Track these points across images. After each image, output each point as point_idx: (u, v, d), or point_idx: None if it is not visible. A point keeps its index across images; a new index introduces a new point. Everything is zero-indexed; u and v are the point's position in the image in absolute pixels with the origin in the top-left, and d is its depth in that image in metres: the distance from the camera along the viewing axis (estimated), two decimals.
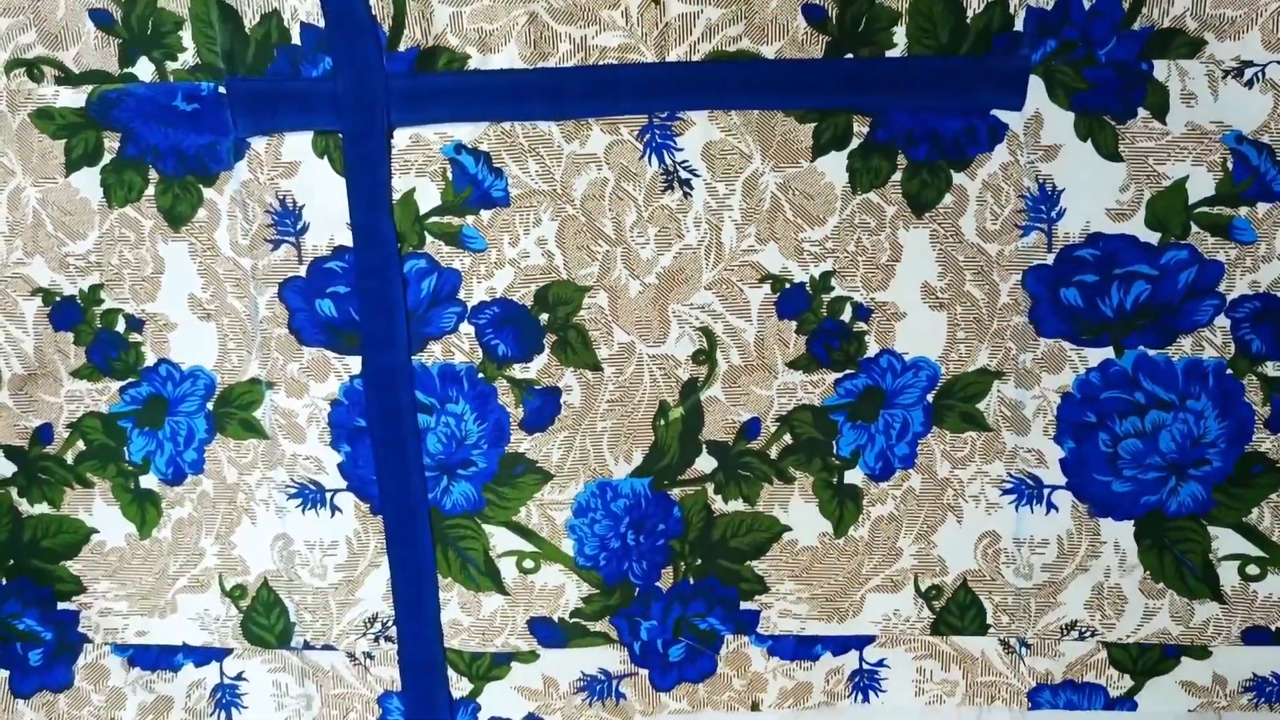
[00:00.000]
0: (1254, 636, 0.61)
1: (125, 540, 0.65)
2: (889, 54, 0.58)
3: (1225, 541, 0.61)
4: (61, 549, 0.66)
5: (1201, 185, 0.58)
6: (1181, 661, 0.62)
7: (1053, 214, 0.59)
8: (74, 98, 0.61)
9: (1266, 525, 0.60)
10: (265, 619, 0.65)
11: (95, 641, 0.67)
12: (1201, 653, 0.62)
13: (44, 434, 0.65)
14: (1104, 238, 0.58)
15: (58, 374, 0.64)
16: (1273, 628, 0.61)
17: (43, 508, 0.66)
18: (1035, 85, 0.58)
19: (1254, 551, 0.60)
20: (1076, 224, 0.59)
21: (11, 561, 0.66)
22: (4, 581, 0.66)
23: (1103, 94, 0.57)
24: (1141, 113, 0.57)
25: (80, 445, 0.65)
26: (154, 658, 0.66)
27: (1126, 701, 0.62)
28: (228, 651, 0.66)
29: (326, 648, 0.65)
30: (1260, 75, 0.56)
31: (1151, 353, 0.59)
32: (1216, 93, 0.57)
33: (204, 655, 0.66)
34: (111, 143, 0.61)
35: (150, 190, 0.62)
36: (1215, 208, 0.58)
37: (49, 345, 0.64)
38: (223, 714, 0.66)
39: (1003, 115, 0.58)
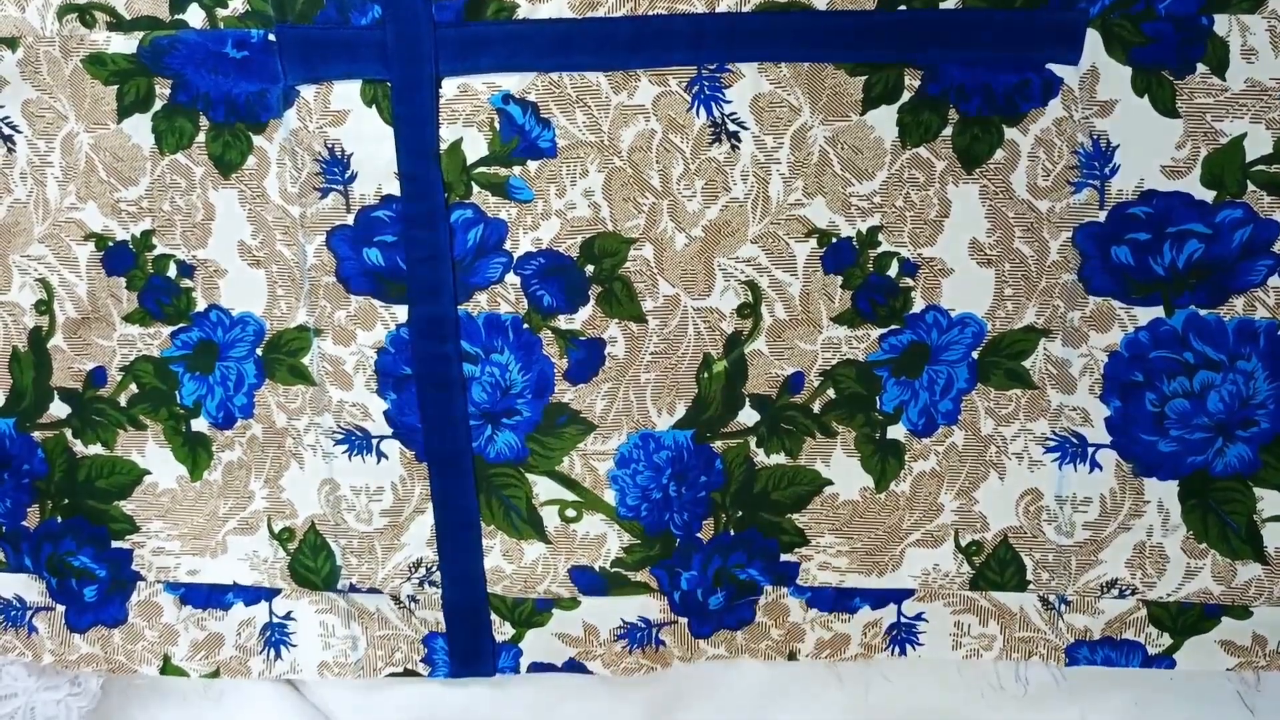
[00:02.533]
0: None
1: (177, 482, 0.67)
2: (943, 5, 0.57)
3: (1270, 503, 0.60)
4: (115, 489, 0.67)
5: (1259, 143, 0.57)
6: (1222, 621, 0.62)
7: (1106, 170, 0.58)
8: (126, 44, 0.61)
9: None
10: (312, 561, 0.67)
11: (148, 579, 0.68)
12: (1243, 613, 0.62)
13: (98, 377, 0.66)
14: (1158, 195, 0.58)
15: (110, 318, 0.65)
16: None
17: (96, 449, 0.67)
18: (1092, 39, 0.57)
19: None
20: (1130, 181, 0.58)
21: (67, 501, 0.68)
22: (59, 520, 0.68)
23: (1161, 48, 0.56)
24: (1200, 68, 0.56)
25: (133, 388, 0.66)
26: (205, 596, 0.68)
27: (1164, 659, 0.62)
28: (276, 592, 0.67)
29: (372, 591, 0.67)
30: None
31: (1203, 312, 0.59)
32: (1278, 48, 0.56)
33: (254, 595, 0.68)
34: (162, 89, 0.62)
35: (201, 137, 0.62)
36: (1273, 166, 0.57)
37: (102, 290, 0.65)
38: (272, 651, 0.68)
39: (1058, 69, 0.57)
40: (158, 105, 0.62)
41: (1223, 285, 0.58)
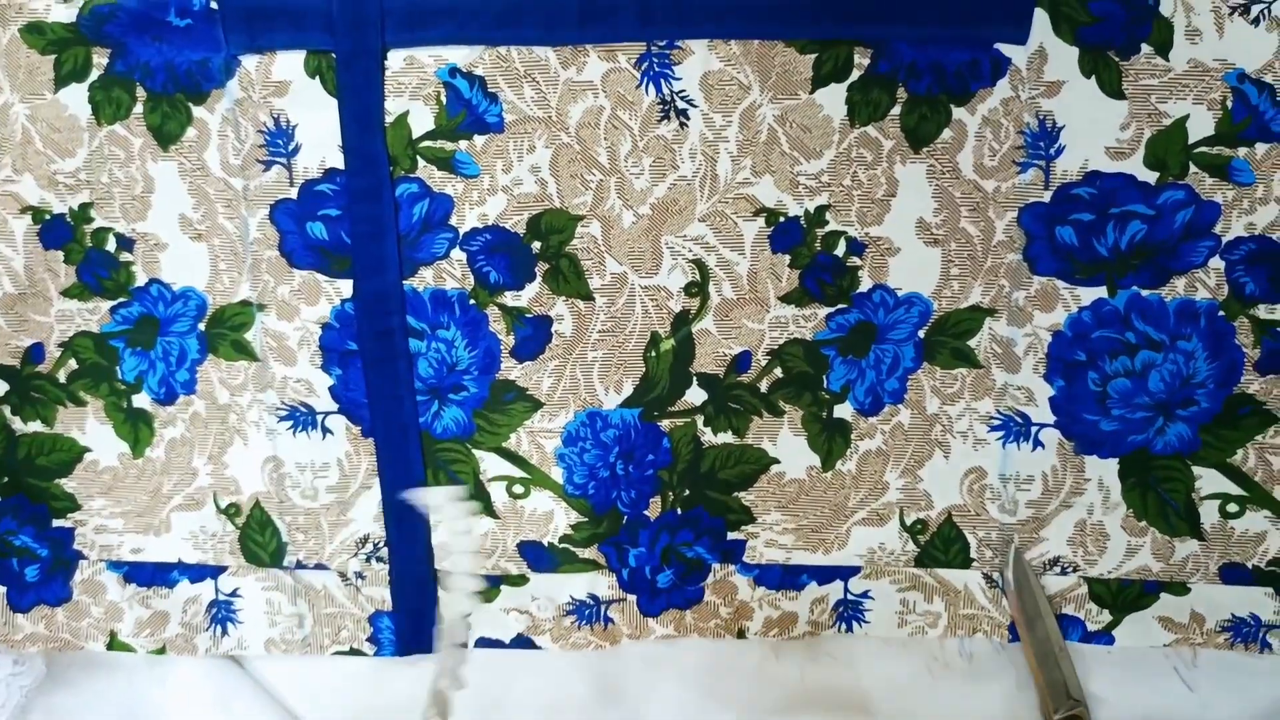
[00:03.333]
0: (1231, 574, 0.62)
1: (118, 459, 0.66)
2: None
3: (1208, 481, 0.61)
4: (55, 467, 0.66)
5: (1201, 124, 0.57)
6: (1160, 598, 0.63)
7: (1051, 151, 0.58)
8: (66, 12, 0.60)
9: (1250, 466, 0.61)
10: (260, 536, 0.66)
11: (90, 558, 0.67)
12: (1181, 589, 0.63)
13: (35, 353, 0.65)
14: (1102, 176, 0.58)
15: (48, 293, 0.64)
16: (1249, 564, 0.62)
17: (36, 426, 0.66)
18: (1040, 19, 0.57)
19: (1235, 490, 0.61)
20: (1075, 162, 0.58)
21: (6, 479, 0.67)
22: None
23: (1108, 28, 0.56)
24: (1145, 49, 0.57)
25: (72, 364, 0.65)
26: (150, 574, 0.67)
27: (1104, 636, 0.63)
28: (222, 569, 0.67)
29: (319, 566, 0.66)
30: (1266, 13, 0.55)
31: (1145, 293, 0.59)
32: (1222, 29, 0.56)
33: (199, 572, 0.67)
34: (100, 59, 0.61)
35: (139, 108, 0.61)
36: (1215, 148, 0.57)
37: (39, 264, 0.64)
38: (218, 629, 0.67)
39: (1006, 49, 0.57)
40: (94, 75, 0.61)
41: (1165, 266, 0.59)
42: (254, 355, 0.64)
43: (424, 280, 0.62)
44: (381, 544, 0.65)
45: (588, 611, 0.65)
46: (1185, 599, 0.63)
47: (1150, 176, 0.58)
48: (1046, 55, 0.57)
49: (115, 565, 0.67)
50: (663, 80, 0.59)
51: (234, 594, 0.67)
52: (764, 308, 0.61)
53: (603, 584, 0.65)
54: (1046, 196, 0.59)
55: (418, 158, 0.60)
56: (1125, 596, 0.63)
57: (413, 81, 0.59)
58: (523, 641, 0.66)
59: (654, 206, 0.60)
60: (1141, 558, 0.63)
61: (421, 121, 0.60)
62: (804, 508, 0.64)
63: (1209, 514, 0.62)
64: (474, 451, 0.64)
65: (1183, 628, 0.63)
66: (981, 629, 0.64)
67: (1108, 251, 0.59)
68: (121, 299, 0.64)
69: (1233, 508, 0.61)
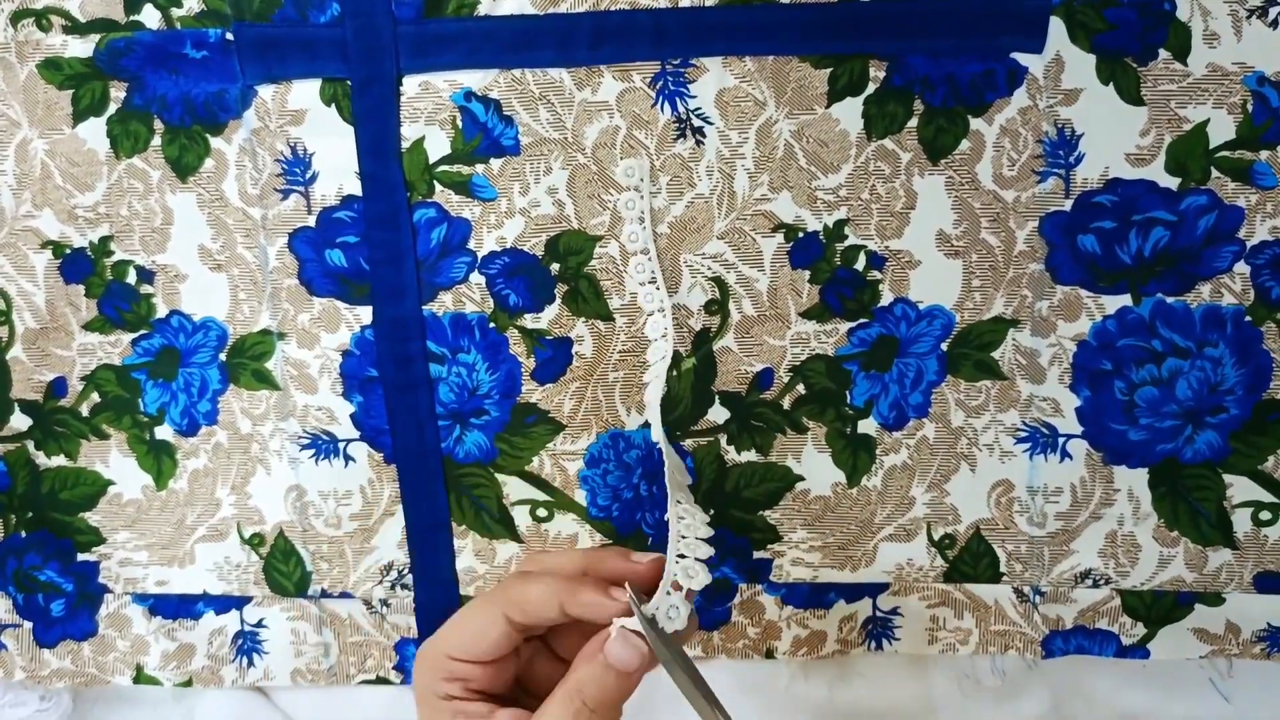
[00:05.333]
0: (1266, 583, 0.61)
1: (142, 491, 0.66)
2: None
3: (1239, 489, 0.60)
4: (79, 501, 0.66)
5: (1222, 128, 0.57)
6: (1195, 609, 0.62)
7: (1071, 159, 0.58)
8: (82, 47, 0.61)
9: None
10: (284, 566, 0.66)
11: (116, 592, 0.67)
12: (1215, 600, 0.62)
13: (58, 387, 0.65)
14: (1123, 183, 0.58)
15: (69, 327, 0.64)
16: None
17: (59, 460, 0.66)
18: (1056, 27, 0.56)
19: (1267, 498, 0.60)
20: (1095, 170, 0.58)
21: (30, 514, 0.67)
22: (24, 534, 0.67)
23: (1124, 35, 0.56)
24: (1163, 54, 0.56)
25: (95, 398, 0.65)
26: (175, 606, 0.67)
27: (1139, 650, 0.62)
28: (247, 599, 0.67)
29: (344, 595, 0.66)
30: None
31: (1169, 300, 0.59)
32: (1240, 33, 0.55)
33: (224, 604, 0.67)
34: (117, 92, 0.61)
35: (156, 140, 0.61)
36: (1236, 152, 0.57)
37: (60, 298, 0.64)
38: (244, 660, 0.67)
39: (1022, 58, 0.57)
40: (112, 109, 0.61)
41: (1189, 272, 0.58)
42: (275, 384, 0.64)
43: (443, 305, 0.62)
44: (406, 571, 0.65)
45: None
46: (1220, 609, 0.62)
47: (1172, 182, 0.57)
48: (1063, 63, 0.57)
49: (141, 598, 0.67)
50: (678, 98, 0.59)
51: (259, 624, 0.67)
52: (785, 324, 0.61)
53: None
54: (1067, 205, 0.58)
55: (435, 182, 0.60)
56: (1159, 608, 0.62)
57: (428, 107, 0.59)
58: None
59: (672, 225, 0.60)
60: (1174, 568, 0.62)
61: (438, 146, 0.60)
62: (830, 525, 0.63)
63: (1241, 522, 0.61)
64: (497, 476, 0.64)
65: (1218, 639, 0.62)
66: (1014, 645, 0.63)
67: (1131, 259, 0.58)
68: (143, 331, 0.64)
69: (1265, 515, 0.61)
